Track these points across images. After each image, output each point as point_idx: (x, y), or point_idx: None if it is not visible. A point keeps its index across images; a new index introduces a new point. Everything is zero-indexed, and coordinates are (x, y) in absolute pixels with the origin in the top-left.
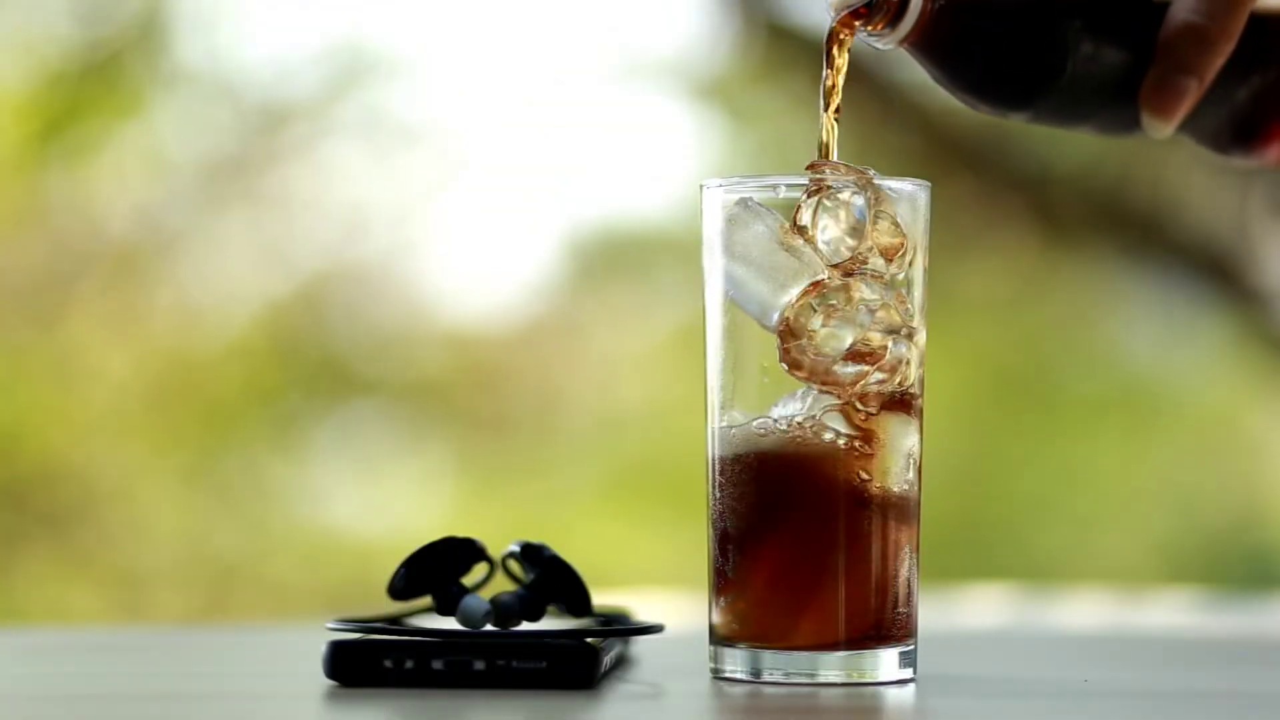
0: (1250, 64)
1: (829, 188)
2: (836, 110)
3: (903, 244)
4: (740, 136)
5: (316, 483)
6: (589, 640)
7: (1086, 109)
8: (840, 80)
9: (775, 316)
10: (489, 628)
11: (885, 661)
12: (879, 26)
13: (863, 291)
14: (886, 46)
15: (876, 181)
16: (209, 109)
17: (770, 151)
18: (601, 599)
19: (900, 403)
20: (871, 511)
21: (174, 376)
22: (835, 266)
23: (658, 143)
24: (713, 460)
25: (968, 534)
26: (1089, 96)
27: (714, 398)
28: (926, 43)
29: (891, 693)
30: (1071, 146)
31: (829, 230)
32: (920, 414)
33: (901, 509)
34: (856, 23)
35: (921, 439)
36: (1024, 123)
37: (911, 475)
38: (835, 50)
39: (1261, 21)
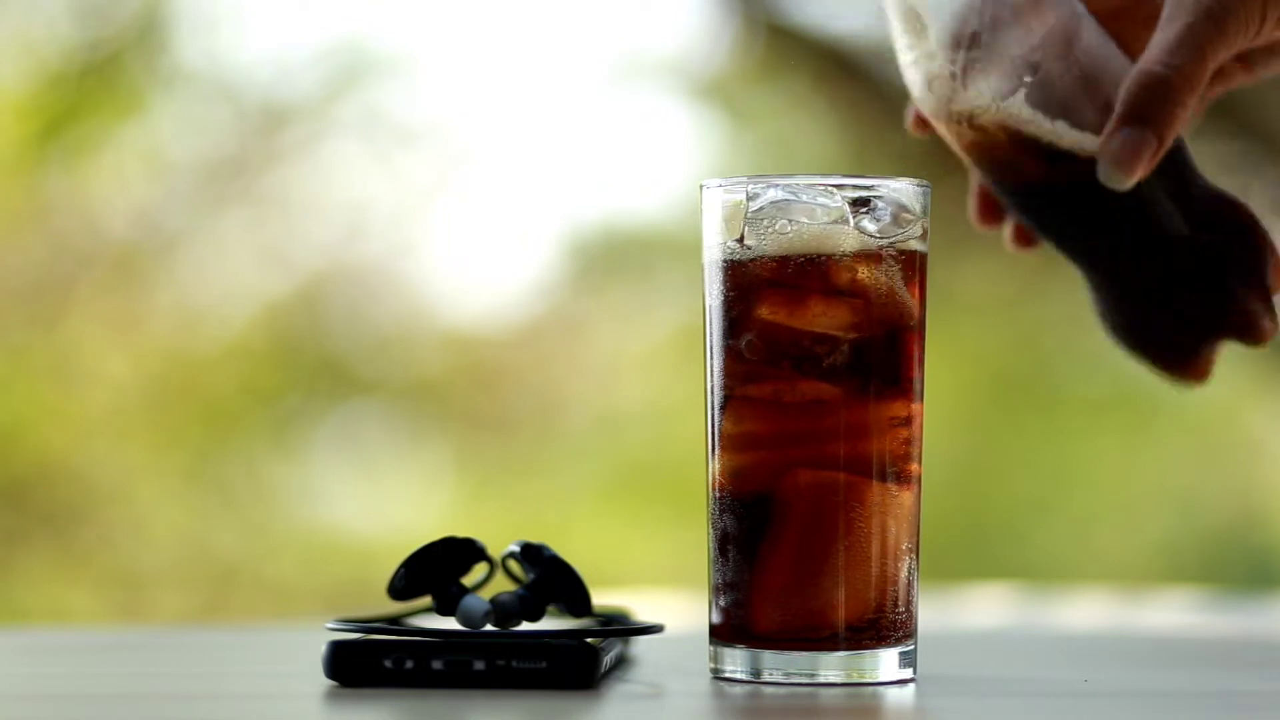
0: (1189, 282)
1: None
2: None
3: None
4: (740, 136)
5: (316, 483)
6: (589, 640)
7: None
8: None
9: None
10: (489, 628)
11: (885, 661)
12: None
13: None
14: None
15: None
16: (209, 109)
17: (770, 151)
18: (601, 599)
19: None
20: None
21: (174, 377)
22: None
23: (658, 143)
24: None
25: (968, 534)
26: None
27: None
28: None
29: (891, 693)
30: None
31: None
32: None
33: (901, 508)
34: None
35: (921, 437)
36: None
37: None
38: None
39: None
